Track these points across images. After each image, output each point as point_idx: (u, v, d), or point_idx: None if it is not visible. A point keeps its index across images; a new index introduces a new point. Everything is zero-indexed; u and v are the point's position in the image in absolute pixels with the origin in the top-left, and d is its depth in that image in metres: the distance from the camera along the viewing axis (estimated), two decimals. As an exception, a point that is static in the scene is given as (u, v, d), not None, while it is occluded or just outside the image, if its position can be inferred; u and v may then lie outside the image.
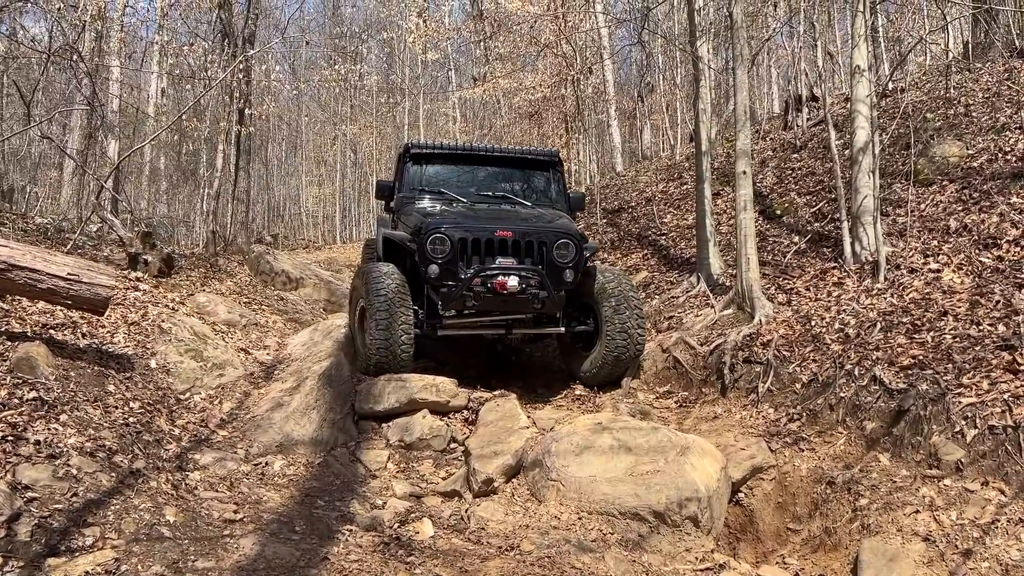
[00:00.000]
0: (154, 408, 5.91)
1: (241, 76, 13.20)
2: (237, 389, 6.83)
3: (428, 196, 7.67)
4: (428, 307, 7.07)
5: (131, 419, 5.48)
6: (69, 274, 5.86)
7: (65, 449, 4.62)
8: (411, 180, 7.84)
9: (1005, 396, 4.89)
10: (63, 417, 4.95)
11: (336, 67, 24.24)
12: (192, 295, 8.60)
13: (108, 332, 6.72)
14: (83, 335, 6.41)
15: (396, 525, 4.95)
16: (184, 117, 14.61)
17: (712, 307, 8.15)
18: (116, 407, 5.52)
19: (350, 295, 7.56)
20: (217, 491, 5.11)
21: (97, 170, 13.32)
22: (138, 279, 8.30)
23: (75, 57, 11.94)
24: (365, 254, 9.79)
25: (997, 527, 4.34)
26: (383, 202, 8.39)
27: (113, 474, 4.62)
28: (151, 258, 8.97)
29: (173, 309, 7.77)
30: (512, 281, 6.70)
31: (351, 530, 4.76)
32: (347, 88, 30.01)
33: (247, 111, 13.98)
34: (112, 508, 4.29)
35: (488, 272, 6.69)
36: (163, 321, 7.29)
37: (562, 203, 7.98)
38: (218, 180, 13.68)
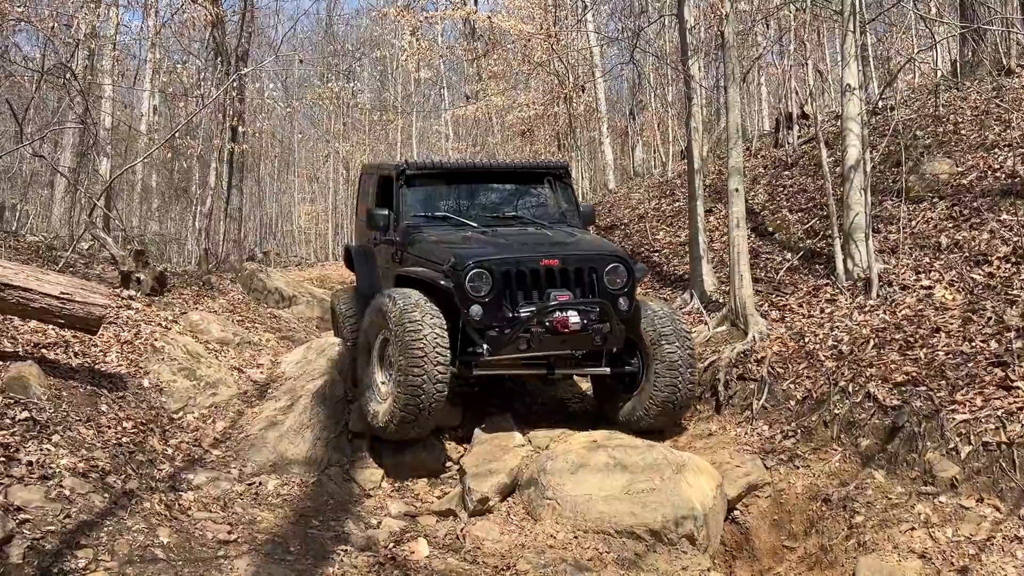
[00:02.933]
0: (147, 428, 5.87)
1: (234, 94, 13.22)
2: (230, 408, 6.80)
3: (434, 223, 6.89)
4: (462, 344, 6.14)
5: (124, 439, 5.45)
6: (62, 293, 5.84)
7: (58, 470, 4.59)
8: (411, 206, 6.98)
9: (999, 412, 4.92)
10: (55, 437, 4.92)
11: (329, 85, 24.33)
12: (185, 313, 8.57)
13: (101, 351, 6.69)
14: (75, 354, 6.38)
15: (391, 545, 4.93)
16: (177, 135, 14.62)
17: (706, 324, 8.17)
18: (109, 427, 5.49)
19: (362, 331, 6.48)
20: (211, 512, 5.08)
21: (89, 188, 13.30)
22: (131, 297, 8.27)
23: (68, 75, 11.95)
24: (340, 302, 8.23)
25: (993, 544, 4.35)
26: (375, 235, 7.31)
27: (106, 495, 4.59)
28: (144, 276, 8.94)
29: (166, 328, 7.74)
30: (574, 318, 5.90)
31: (346, 550, 4.75)
32: (340, 106, 30.07)
33: (240, 129, 13.99)
34: (105, 529, 4.26)
35: (547, 309, 5.89)
36: (156, 340, 7.26)
37: (575, 218, 7.27)
38: (210, 198, 13.67)
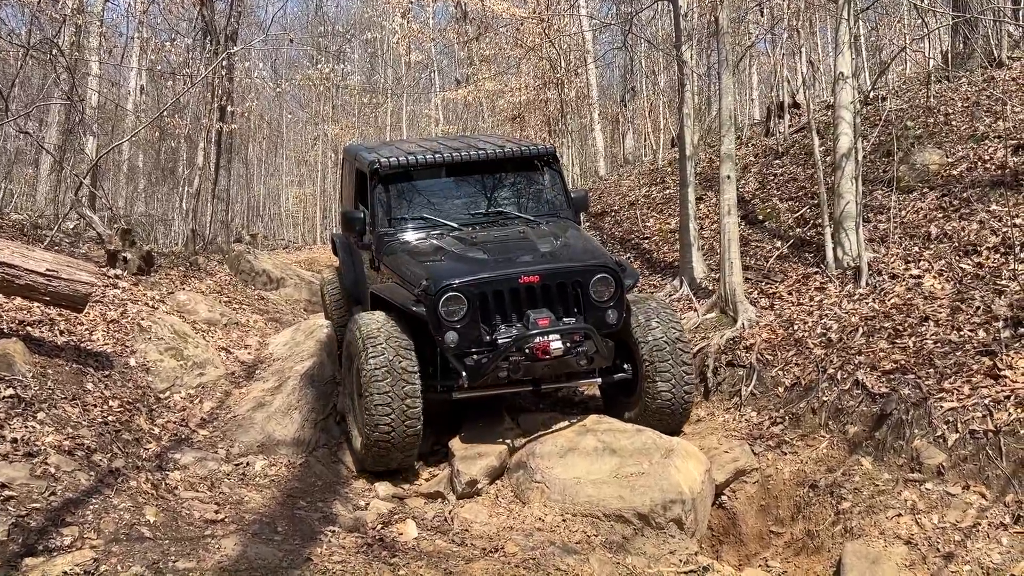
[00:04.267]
0: (133, 407, 5.83)
1: (223, 73, 13.08)
2: (218, 388, 6.76)
3: (411, 227, 6.48)
4: (441, 368, 5.91)
5: (110, 418, 5.41)
6: (48, 270, 5.77)
7: (43, 447, 4.55)
8: (386, 209, 6.53)
9: (986, 401, 4.94)
10: (40, 415, 4.88)
11: (319, 66, 24.14)
12: (172, 293, 8.51)
13: (86, 330, 6.63)
14: (61, 332, 6.32)
15: (379, 526, 4.91)
16: (164, 114, 14.47)
17: (695, 311, 8.17)
18: (95, 405, 5.45)
19: (345, 344, 6.20)
20: (198, 491, 5.05)
21: (75, 166, 13.15)
22: (117, 277, 8.20)
23: (54, 52, 11.78)
24: (327, 286, 8.20)
25: (978, 530, 4.38)
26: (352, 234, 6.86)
27: (92, 473, 4.56)
28: (130, 256, 8.86)
29: (153, 307, 7.68)
30: (555, 344, 5.51)
31: (334, 531, 4.73)
32: (329, 88, 29.88)
33: (228, 109, 13.86)
34: (91, 507, 4.23)
35: (525, 337, 5.52)
36: (142, 319, 7.20)
37: (564, 207, 6.84)
38: (198, 178, 13.55)
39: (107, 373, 6.07)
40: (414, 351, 5.63)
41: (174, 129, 15.96)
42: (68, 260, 6.25)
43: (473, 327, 5.61)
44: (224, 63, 12.85)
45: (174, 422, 6.02)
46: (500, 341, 5.57)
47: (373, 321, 5.74)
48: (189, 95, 14.78)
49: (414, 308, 5.66)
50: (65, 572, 3.59)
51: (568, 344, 5.59)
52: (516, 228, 6.49)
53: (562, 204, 6.90)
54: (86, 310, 6.45)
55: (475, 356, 5.62)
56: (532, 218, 6.65)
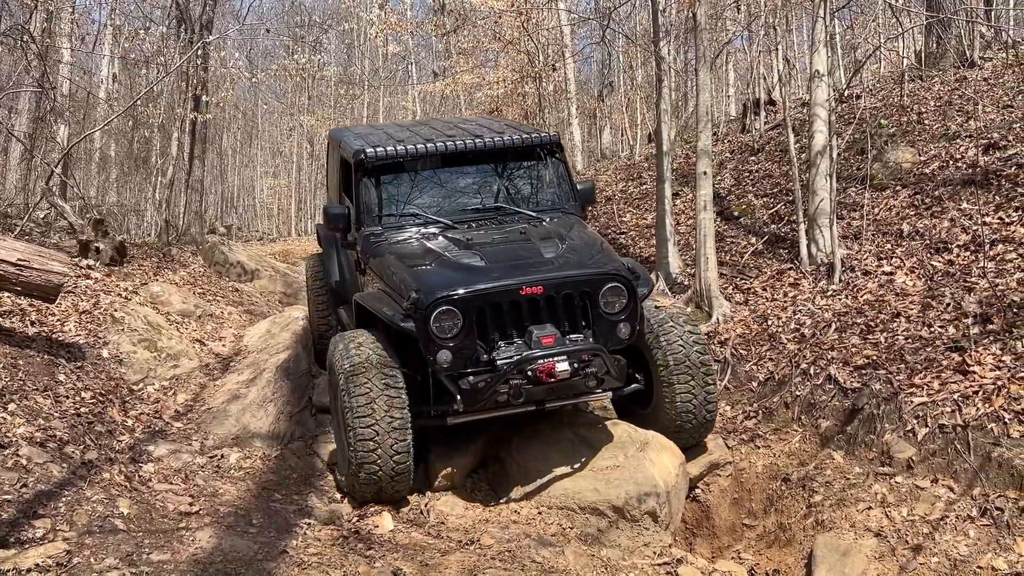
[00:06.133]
0: (106, 399, 5.77)
1: (198, 63, 12.94)
2: (192, 380, 6.71)
3: (400, 224, 5.82)
4: (435, 387, 5.26)
5: (83, 409, 5.35)
6: (19, 259, 5.69)
7: (14, 439, 4.49)
8: (374, 205, 5.89)
9: (955, 396, 5.03)
10: (11, 406, 4.82)
11: (295, 57, 23.95)
12: (145, 284, 8.41)
13: (58, 320, 6.55)
14: (32, 323, 6.24)
15: (355, 519, 4.91)
16: (138, 103, 14.29)
17: (671, 305, 8.23)
18: (67, 397, 5.39)
19: (328, 363, 5.54)
20: (172, 483, 5.02)
21: (46, 155, 12.96)
22: (89, 267, 8.10)
23: (25, 38, 11.60)
24: (310, 275, 7.65)
25: (946, 523, 4.46)
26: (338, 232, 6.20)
27: (64, 465, 4.51)
28: (103, 246, 8.75)
29: (126, 298, 7.60)
30: (561, 366, 4.84)
31: (309, 523, 4.72)
32: (305, 79, 29.68)
33: (203, 98, 13.71)
34: (64, 500, 4.18)
35: (528, 359, 4.85)
36: (115, 310, 7.12)
37: (569, 201, 6.18)
38: (172, 168, 13.42)
39: (79, 364, 6.00)
40: (402, 378, 5.06)
41: (147, 118, 15.78)
42: (40, 250, 6.16)
43: (468, 345, 4.94)
44: (199, 52, 12.72)
45: (148, 414, 5.97)
46: (499, 362, 4.93)
47: (357, 346, 5.14)
48: (163, 84, 14.61)
49: (402, 324, 5.00)
50: (37, 564, 3.55)
51: (575, 365, 4.93)
52: (517, 226, 5.79)
53: (567, 197, 6.24)
54: (58, 300, 6.36)
55: (471, 378, 4.96)
56: (534, 214, 5.98)
